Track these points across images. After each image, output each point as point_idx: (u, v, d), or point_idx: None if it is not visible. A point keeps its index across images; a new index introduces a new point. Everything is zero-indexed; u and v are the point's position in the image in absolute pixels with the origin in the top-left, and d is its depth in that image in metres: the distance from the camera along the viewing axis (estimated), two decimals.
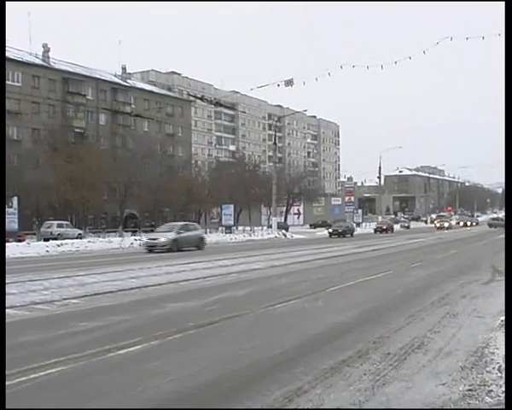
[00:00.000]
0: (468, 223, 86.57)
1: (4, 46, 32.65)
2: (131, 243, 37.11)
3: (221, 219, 58.53)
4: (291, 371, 6.19)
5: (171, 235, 29.85)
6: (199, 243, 31.52)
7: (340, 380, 5.87)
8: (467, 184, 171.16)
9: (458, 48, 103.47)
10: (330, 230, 52.72)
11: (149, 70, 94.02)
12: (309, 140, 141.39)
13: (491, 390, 5.50)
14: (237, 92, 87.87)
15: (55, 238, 39.78)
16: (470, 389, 5.54)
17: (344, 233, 50.69)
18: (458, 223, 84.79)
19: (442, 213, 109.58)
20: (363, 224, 74.88)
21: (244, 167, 75.63)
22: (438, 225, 72.13)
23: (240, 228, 59.70)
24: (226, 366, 6.57)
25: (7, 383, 5.64)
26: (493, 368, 6.23)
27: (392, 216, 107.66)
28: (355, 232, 54.68)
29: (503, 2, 6.51)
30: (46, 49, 63.77)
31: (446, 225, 71.33)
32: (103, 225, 57.45)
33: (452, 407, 5.12)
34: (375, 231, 59.88)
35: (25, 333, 8.31)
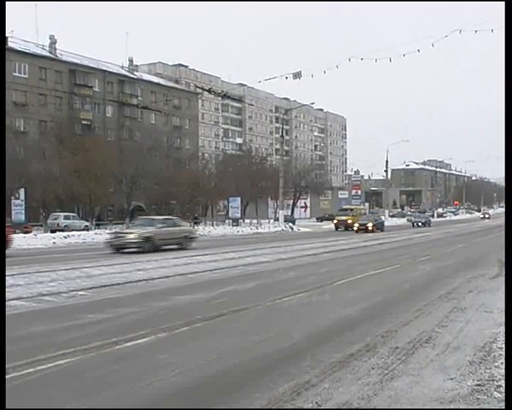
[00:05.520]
0: (370, 225, 44.83)
1: (4, 43, 32.52)
2: None
3: (228, 212, 58.43)
4: (299, 365, 6.18)
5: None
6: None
7: (349, 374, 5.86)
8: (473, 178, 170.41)
9: (467, 41, 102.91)
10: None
11: (156, 62, 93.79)
12: (316, 133, 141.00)
13: (500, 385, 5.46)
14: (244, 85, 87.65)
15: (62, 230, 39.79)
16: (479, 384, 5.52)
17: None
18: (352, 224, 46.54)
19: (345, 207, 59.53)
20: None
21: (251, 160, 75.38)
22: None
23: (247, 221, 59.55)
24: (233, 358, 6.56)
25: (14, 374, 5.67)
26: (501, 363, 6.18)
27: (399, 210, 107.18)
28: None
29: None
30: (53, 41, 63.63)
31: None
32: (110, 217, 57.54)
33: (461, 401, 5.10)
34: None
35: (32, 325, 8.32)
